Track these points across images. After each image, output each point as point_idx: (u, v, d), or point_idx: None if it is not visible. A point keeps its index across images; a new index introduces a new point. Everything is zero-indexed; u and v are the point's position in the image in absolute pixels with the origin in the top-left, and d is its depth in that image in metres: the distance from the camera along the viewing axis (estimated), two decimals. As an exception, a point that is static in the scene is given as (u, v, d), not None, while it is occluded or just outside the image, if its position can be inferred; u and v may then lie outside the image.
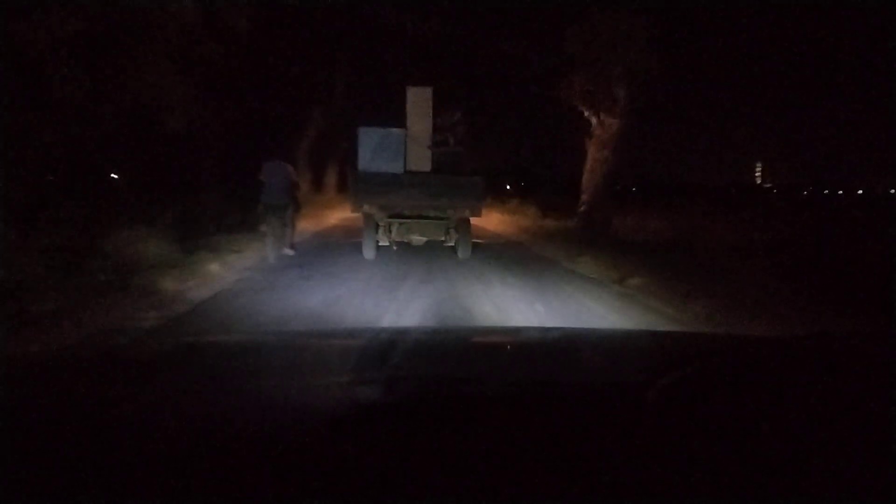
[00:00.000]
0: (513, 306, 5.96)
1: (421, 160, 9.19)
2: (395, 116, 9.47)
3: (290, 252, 9.01)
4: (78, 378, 1.09)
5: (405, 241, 9.34)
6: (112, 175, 11.41)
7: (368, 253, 9.00)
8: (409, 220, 9.14)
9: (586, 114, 13.82)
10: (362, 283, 6.98)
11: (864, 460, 0.70)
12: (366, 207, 8.93)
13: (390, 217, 9.09)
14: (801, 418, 0.83)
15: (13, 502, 0.57)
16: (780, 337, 2.14)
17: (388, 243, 9.27)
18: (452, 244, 9.44)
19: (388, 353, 1.34)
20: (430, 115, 9.15)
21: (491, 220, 17.44)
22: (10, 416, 0.81)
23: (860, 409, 0.87)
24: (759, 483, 0.65)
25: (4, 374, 1.07)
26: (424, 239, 9.31)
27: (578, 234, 13.20)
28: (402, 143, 9.00)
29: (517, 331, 2.93)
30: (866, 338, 1.37)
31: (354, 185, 8.94)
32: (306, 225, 13.26)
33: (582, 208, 14.72)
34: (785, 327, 5.12)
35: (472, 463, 0.68)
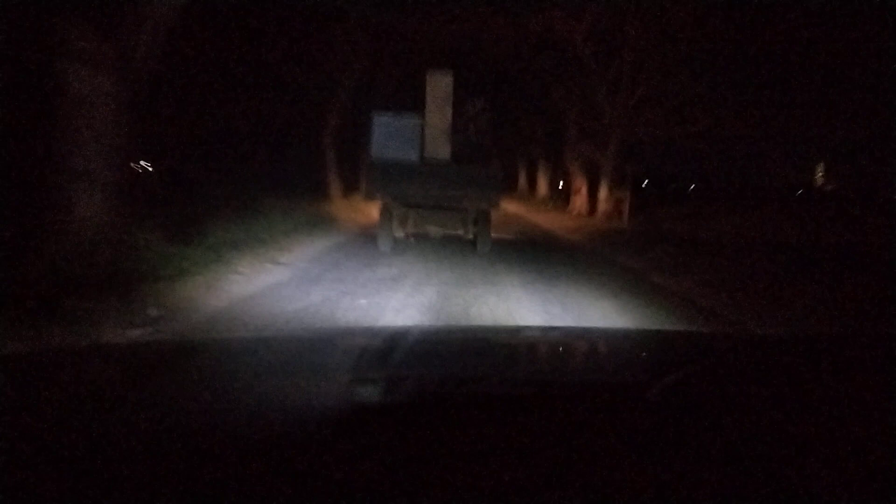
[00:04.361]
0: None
1: (439, 148, 8.79)
2: (414, 101, 9.11)
3: None
4: (78, 378, 1.09)
5: (422, 233, 8.98)
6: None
7: (384, 245, 8.70)
8: (425, 211, 8.77)
9: None
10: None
11: (864, 460, 0.70)
12: (378, 197, 8.64)
13: (406, 207, 8.75)
14: (801, 418, 0.83)
15: (13, 502, 0.57)
16: (781, 337, 2.11)
17: (403, 235, 8.94)
18: (471, 238, 9.03)
19: (388, 353, 1.33)
20: (451, 101, 8.73)
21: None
22: (11, 416, 0.81)
23: (860, 408, 0.87)
24: (759, 482, 0.64)
25: (4, 374, 1.06)
26: (442, 231, 8.92)
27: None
28: (419, 130, 8.63)
29: (517, 331, 2.87)
30: (866, 338, 1.27)
31: (367, 173, 8.65)
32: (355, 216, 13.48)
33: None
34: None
35: (473, 462, 0.67)
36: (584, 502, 0.61)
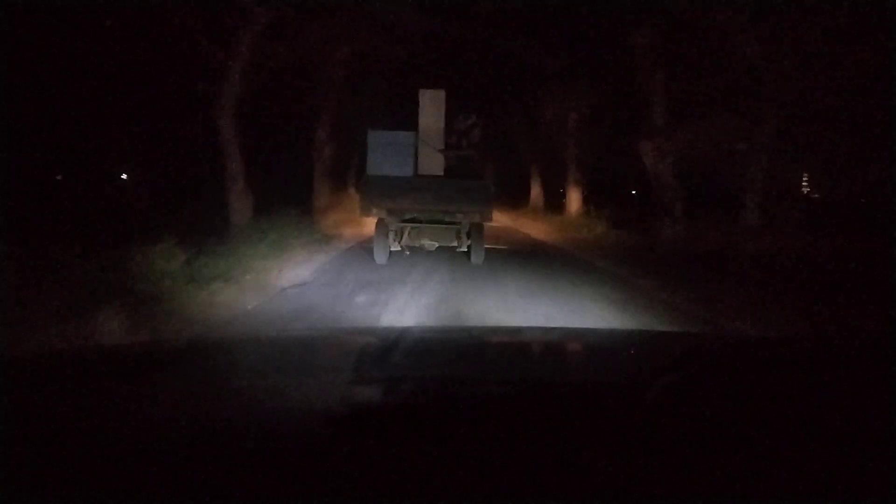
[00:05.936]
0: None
1: (433, 164, 9.05)
2: (408, 119, 9.37)
3: None
4: (78, 378, 1.09)
5: (417, 246, 9.22)
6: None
7: (380, 258, 8.92)
8: (420, 225, 9.02)
9: None
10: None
11: (862, 460, 0.70)
12: (375, 211, 8.87)
13: (402, 221, 9.00)
14: (799, 418, 0.83)
15: (13, 502, 0.57)
16: (780, 337, 2.23)
17: (399, 248, 9.17)
18: (465, 250, 9.26)
19: (388, 353, 1.32)
20: (443, 118, 9.01)
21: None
22: (10, 416, 0.81)
23: (858, 408, 0.87)
24: (758, 483, 0.64)
25: (4, 374, 1.07)
26: (437, 244, 9.17)
27: None
28: (413, 146, 8.89)
29: (517, 331, 2.90)
30: (864, 338, 1.30)
31: (363, 188, 8.89)
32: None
33: None
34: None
35: (472, 463, 0.67)
36: (584, 503, 0.61)
